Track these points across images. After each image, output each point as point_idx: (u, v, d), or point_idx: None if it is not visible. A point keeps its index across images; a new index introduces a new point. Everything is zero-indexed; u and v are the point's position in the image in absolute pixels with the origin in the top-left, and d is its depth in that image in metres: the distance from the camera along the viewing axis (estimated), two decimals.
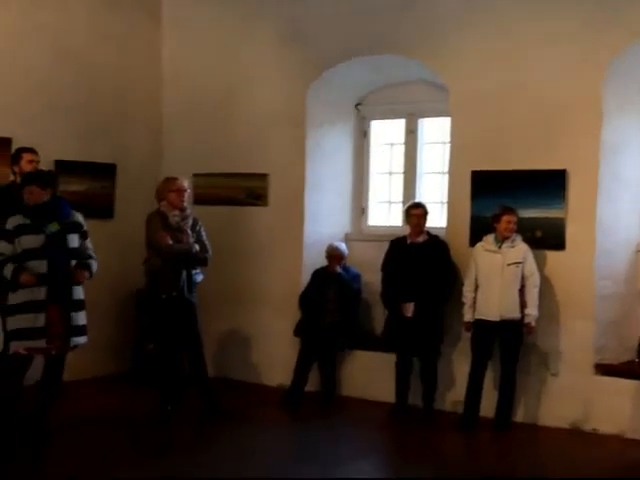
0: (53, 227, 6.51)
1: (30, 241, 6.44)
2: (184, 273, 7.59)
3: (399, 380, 8.05)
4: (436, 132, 8.92)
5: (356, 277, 8.62)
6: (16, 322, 6.41)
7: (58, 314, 6.44)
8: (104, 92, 9.24)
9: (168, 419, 7.56)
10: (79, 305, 6.59)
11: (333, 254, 8.55)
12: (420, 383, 8.00)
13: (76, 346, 6.67)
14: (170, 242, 7.56)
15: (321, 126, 9.03)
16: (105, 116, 9.24)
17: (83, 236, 6.69)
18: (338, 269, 8.49)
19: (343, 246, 8.66)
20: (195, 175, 9.23)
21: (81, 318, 6.60)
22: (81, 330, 6.60)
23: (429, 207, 8.14)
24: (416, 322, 7.86)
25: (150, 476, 6.07)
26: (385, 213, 9.30)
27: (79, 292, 6.61)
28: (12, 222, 6.50)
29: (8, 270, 6.41)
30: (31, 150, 7.21)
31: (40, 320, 6.38)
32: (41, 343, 6.41)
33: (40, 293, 6.41)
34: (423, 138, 9.01)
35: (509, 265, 7.50)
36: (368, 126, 9.33)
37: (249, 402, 8.34)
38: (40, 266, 6.41)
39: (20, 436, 6.60)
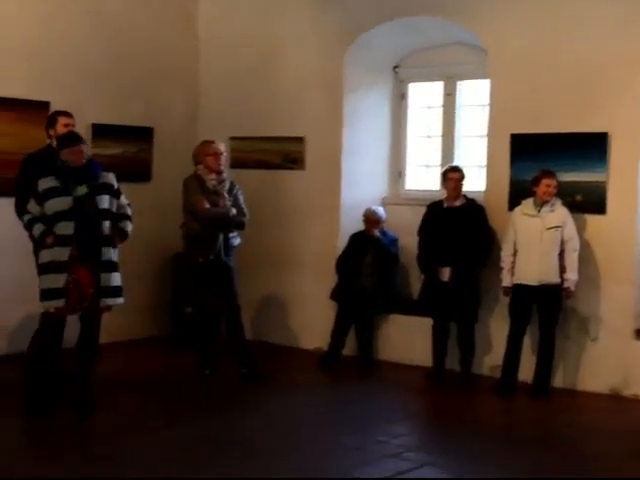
0: (81, 190, 6.51)
1: (58, 204, 6.44)
2: (221, 237, 7.59)
3: (436, 344, 8.03)
4: (475, 95, 8.81)
5: (394, 241, 8.58)
6: (43, 282, 6.47)
7: (87, 275, 6.47)
8: (141, 55, 9.21)
9: (205, 382, 7.60)
10: (111, 266, 6.61)
11: (370, 218, 8.50)
12: (457, 347, 7.97)
13: (110, 307, 6.69)
14: (207, 206, 7.56)
15: (358, 89, 8.95)
16: (142, 79, 9.22)
17: (115, 195, 6.69)
18: (376, 233, 8.46)
19: (381, 210, 8.61)
20: (231, 138, 9.22)
21: (114, 279, 6.62)
22: (114, 291, 6.62)
23: (467, 171, 8.06)
24: (453, 286, 7.81)
25: (185, 437, 6.11)
26: (423, 177, 9.22)
27: (111, 254, 6.63)
28: (43, 184, 6.49)
29: (37, 229, 6.47)
30: (66, 114, 7.19)
31: (60, 281, 6.43)
32: (60, 303, 6.46)
33: (64, 254, 6.43)
34: (461, 101, 8.90)
35: (548, 229, 7.41)
36: (406, 89, 9.23)
37: (286, 366, 8.36)
38: (67, 228, 6.43)
39: (61, 397, 6.67)
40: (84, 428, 6.38)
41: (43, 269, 6.46)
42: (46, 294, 6.44)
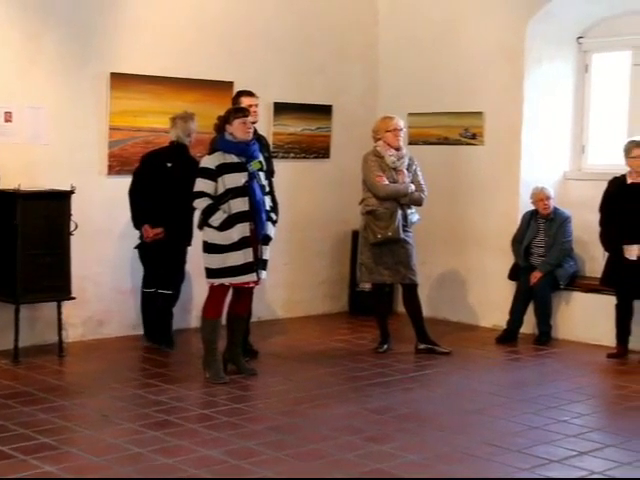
0: (255, 165, 6.62)
1: (234, 179, 6.55)
2: (399, 213, 7.62)
3: (619, 324, 7.80)
4: None
5: (567, 219, 8.38)
6: (236, 258, 6.57)
7: (257, 249, 6.67)
8: (320, 32, 9.28)
9: (382, 357, 7.66)
10: (269, 240, 6.79)
11: (538, 197, 8.34)
12: None
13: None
14: (386, 182, 7.60)
15: (540, 62, 8.74)
16: (321, 56, 9.30)
17: (266, 175, 6.87)
18: (548, 210, 8.29)
19: (548, 188, 8.41)
20: (410, 114, 9.20)
21: (268, 253, 6.82)
22: (265, 264, 6.82)
23: None
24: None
25: (364, 410, 6.21)
26: (606, 151, 8.92)
27: (270, 228, 6.81)
28: (213, 161, 6.59)
29: (218, 219, 6.52)
30: (250, 93, 7.35)
31: (249, 255, 6.60)
32: (253, 277, 6.65)
33: (246, 230, 6.59)
34: None
35: None
36: (590, 60, 8.94)
37: (463, 343, 8.30)
38: (243, 204, 6.56)
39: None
40: (266, 398, 6.58)
41: (233, 246, 6.57)
42: (240, 269, 6.60)
